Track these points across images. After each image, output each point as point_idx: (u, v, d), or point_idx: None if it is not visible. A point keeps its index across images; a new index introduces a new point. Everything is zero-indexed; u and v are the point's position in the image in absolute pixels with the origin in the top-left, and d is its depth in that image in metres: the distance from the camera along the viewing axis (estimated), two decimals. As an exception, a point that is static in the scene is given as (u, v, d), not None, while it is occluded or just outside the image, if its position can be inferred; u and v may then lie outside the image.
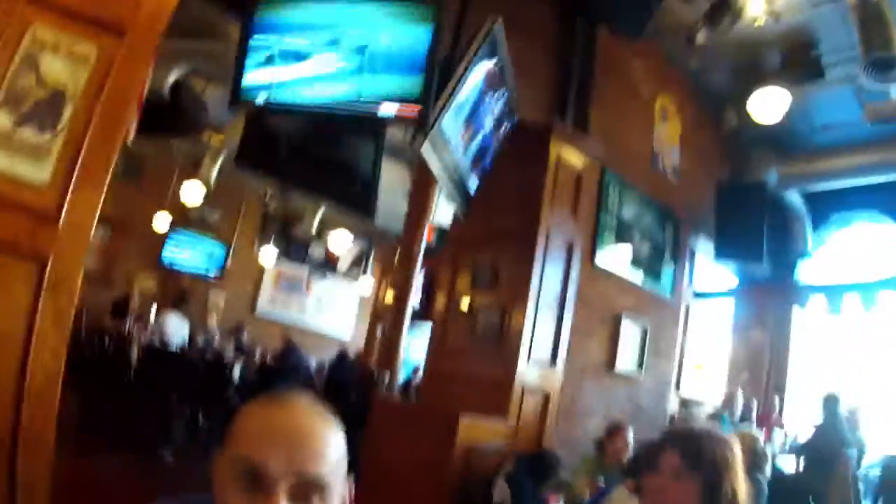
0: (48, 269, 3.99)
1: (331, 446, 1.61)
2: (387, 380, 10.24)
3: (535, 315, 7.65)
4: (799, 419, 11.68)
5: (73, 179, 4.08)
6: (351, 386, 13.18)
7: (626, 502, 4.52)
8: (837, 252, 12.85)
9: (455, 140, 6.06)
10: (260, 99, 5.49)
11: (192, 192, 15.91)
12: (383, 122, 6.61)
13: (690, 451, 2.51)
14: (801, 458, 9.66)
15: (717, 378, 13.93)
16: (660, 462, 2.55)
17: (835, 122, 10.84)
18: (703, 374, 14.52)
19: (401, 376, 11.84)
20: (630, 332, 9.23)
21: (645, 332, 9.46)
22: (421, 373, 14.57)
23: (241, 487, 1.51)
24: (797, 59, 9.31)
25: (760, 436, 7.64)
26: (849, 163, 10.78)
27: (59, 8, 4.30)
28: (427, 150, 5.61)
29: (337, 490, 1.60)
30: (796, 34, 9.10)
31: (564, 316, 7.96)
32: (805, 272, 12.90)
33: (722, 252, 11.06)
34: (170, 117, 11.64)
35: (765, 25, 8.50)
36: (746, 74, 9.73)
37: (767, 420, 11.19)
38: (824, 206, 12.32)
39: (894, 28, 7.28)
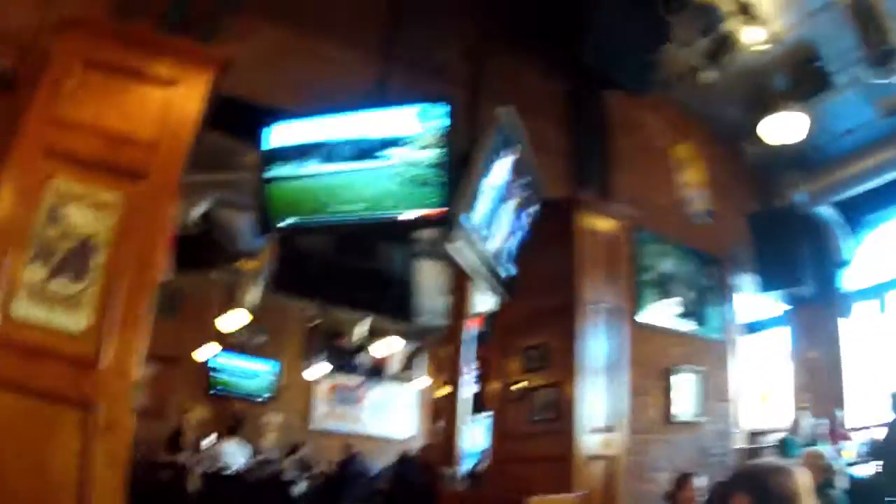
0: (98, 414, 4.01)
1: None
2: (450, 472, 10.21)
3: (589, 384, 7.67)
4: (868, 425, 11.49)
5: (113, 325, 4.12)
6: (417, 486, 13.13)
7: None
8: (874, 254, 12.75)
9: (484, 232, 6.08)
10: (286, 223, 5.55)
11: (234, 320, 15.98)
12: (411, 227, 6.64)
13: (758, 490, 2.49)
14: (879, 461, 9.52)
15: (784, 404, 13.82)
16: None
17: (853, 126, 10.79)
18: (769, 404, 14.40)
19: (468, 465, 11.77)
20: (685, 381, 9.22)
21: (699, 378, 9.46)
22: (487, 459, 14.55)
23: None
24: (803, 76, 9.33)
25: (830, 451, 7.55)
26: (873, 162, 10.66)
27: (77, 160, 4.42)
28: (455, 248, 5.63)
29: None
30: (797, 50, 9.12)
31: (618, 379, 7.94)
32: (847, 280, 12.80)
33: (766, 283, 10.99)
34: (202, 250, 11.76)
35: (766, 50, 8.55)
36: (758, 102, 9.75)
37: (836, 435, 11.05)
38: (857, 211, 12.24)
39: (888, 19, 7.31)
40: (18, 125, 4.41)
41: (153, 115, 4.75)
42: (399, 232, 7.39)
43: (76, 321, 4.17)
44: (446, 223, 5.27)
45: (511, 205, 6.63)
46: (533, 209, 7.13)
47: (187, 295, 17.78)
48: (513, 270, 6.99)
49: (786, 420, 12.30)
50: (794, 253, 10.46)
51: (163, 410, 17.16)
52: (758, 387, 13.74)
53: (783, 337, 13.49)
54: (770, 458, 2.90)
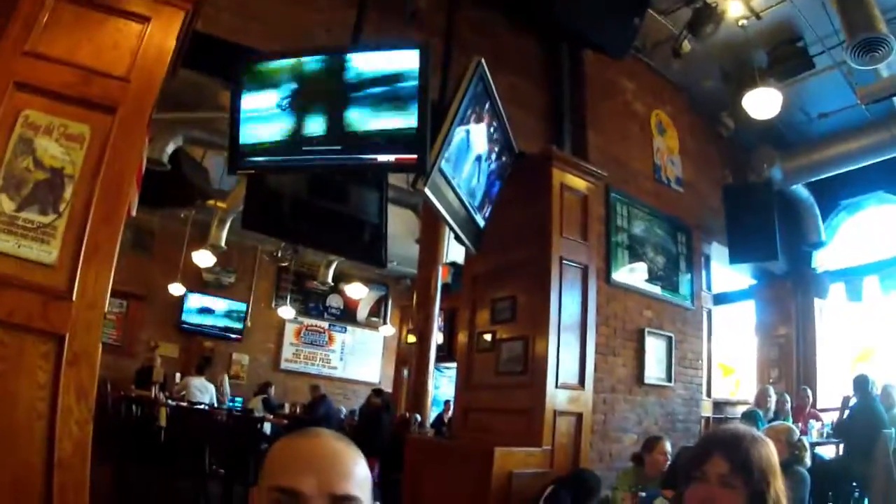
0: (66, 345, 4.03)
1: (357, 466, 1.71)
2: (418, 420, 10.23)
3: (558, 340, 7.66)
4: (833, 407, 11.60)
5: (81, 256, 4.10)
6: (384, 430, 13.19)
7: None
8: (851, 238, 12.85)
9: (456, 180, 6.08)
10: (257, 162, 5.51)
11: (203, 259, 16.00)
12: (385, 170, 6.61)
13: (737, 457, 2.45)
14: (841, 444, 9.60)
15: (748, 378, 13.92)
16: (706, 469, 2.49)
17: (831, 110, 10.86)
18: (733, 377, 14.52)
19: (432, 414, 11.80)
20: (655, 344, 9.26)
21: (670, 342, 9.50)
22: (452, 409, 14.62)
23: None
24: (784, 54, 9.35)
25: (797, 428, 7.60)
26: (850, 147, 10.73)
27: (48, 92, 4.37)
28: (429, 193, 5.62)
29: None
30: (779, 29, 9.16)
31: (587, 337, 7.96)
32: (822, 262, 12.89)
33: (736, 255, 11.05)
34: (172, 187, 11.72)
35: (748, 25, 8.55)
36: (737, 76, 9.79)
37: (802, 413, 11.15)
38: (832, 194, 12.36)
39: (875, 6, 7.29)
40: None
41: (126, 50, 4.69)
42: (373, 175, 7.34)
43: (46, 252, 4.14)
44: (420, 168, 5.24)
45: (484, 154, 6.63)
46: (506, 161, 7.12)
47: (157, 233, 17.82)
48: (484, 220, 6.99)
49: (750, 393, 12.43)
50: (766, 228, 10.53)
51: (132, 347, 17.21)
52: (723, 358, 13.87)
53: (749, 311, 13.61)
54: (745, 426, 2.81)
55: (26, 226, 4.14)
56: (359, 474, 1.70)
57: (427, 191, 5.54)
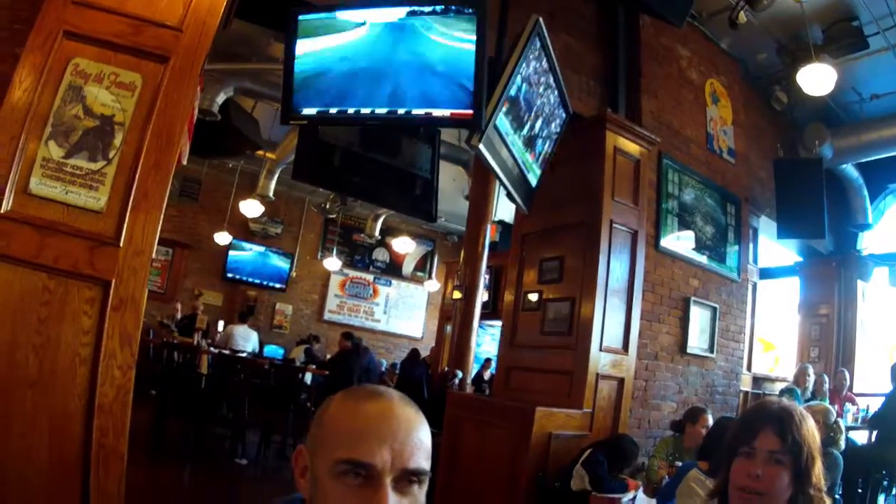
0: (111, 291, 4.05)
1: (427, 435, 1.65)
2: (459, 377, 10.23)
3: (605, 303, 7.63)
4: (869, 392, 11.51)
5: (130, 204, 4.11)
6: (424, 384, 13.21)
7: (703, 483, 4.44)
8: (897, 222, 12.73)
9: (510, 137, 6.04)
10: (310, 113, 5.48)
11: (251, 209, 16.05)
12: (440, 125, 6.57)
13: (789, 432, 2.41)
14: (874, 430, 9.52)
15: (788, 355, 13.83)
16: (756, 445, 2.44)
17: (883, 92, 10.75)
18: (773, 353, 14.42)
19: (472, 371, 11.80)
20: (699, 314, 9.17)
21: (714, 313, 9.41)
22: (492, 366, 14.61)
23: (347, 486, 1.55)
24: (839, 32, 9.26)
25: (833, 410, 7.53)
26: (899, 132, 10.62)
27: (98, 41, 4.37)
28: (483, 149, 5.58)
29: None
30: (835, 7, 9.09)
31: (633, 302, 7.92)
32: (867, 244, 12.76)
33: (784, 230, 10.97)
34: (222, 137, 11.75)
35: (804, 1, 8.43)
36: (791, 51, 9.69)
37: (839, 395, 11.08)
38: (881, 177, 12.25)
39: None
40: (41, 7, 4.36)
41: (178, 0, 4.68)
42: (425, 129, 7.31)
43: (94, 199, 4.15)
44: (475, 124, 5.21)
45: (539, 113, 6.57)
46: (560, 121, 7.06)
47: (205, 182, 17.90)
48: (537, 180, 6.95)
49: (789, 371, 12.34)
50: (815, 205, 10.44)
51: (176, 295, 17.33)
52: (764, 333, 13.77)
53: (793, 288, 13.50)
54: (788, 401, 2.73)
55: (74, 172, 4.15)
56: (428, 444, 1.65)
57: (481, 147, 5.50)
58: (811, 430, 2.45)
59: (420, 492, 1.60)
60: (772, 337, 14.61)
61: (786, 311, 14.13)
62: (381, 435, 1.57)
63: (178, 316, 15.66)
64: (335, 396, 1.74)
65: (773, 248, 12.66)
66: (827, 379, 10.93)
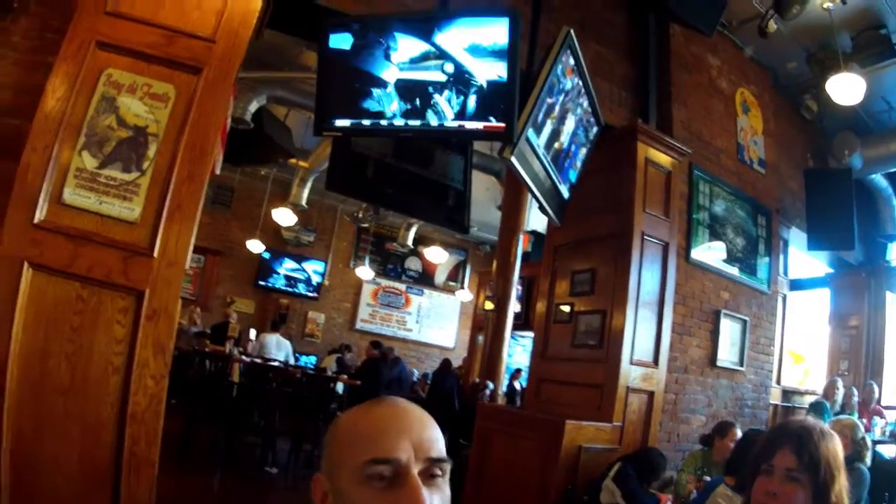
0: (145, 301, 4.11)
1: (439, 433, 1.63)
2: (490, 388, 10.25)
3: (636, 316, 7.61)
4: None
5: (164, 215, 4.16)
6: (455, 396, 13.21)
7: (731, 499, 4.42)
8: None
9: (542, 150, 6.04)
10: (343, 125, 5.51)
11: (283, 217, 16.11)
12: (472, 138, 6.58)
13: (806, 452, 2.42)
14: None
15: (817, 368, 13.76)
16: (774, 463, 2.47)
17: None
18: (802, 365, 14.35)
19: (503, 382, 11.82)
20: (730, 327, 9.10)
21: (744, 326, 9.32)
22: (522, 377, 14.60)
23: (375, 490, 1.49)
24: (868, 40, 9.24)
25: (861, 424, 7.50)
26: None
27: (131, 52, 4.45)
28: (515, 162, 5.58)
29: None
30: (864, 14, 9.06)
31: (664, 315, 7.90)
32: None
33: (814, 241, 10.86)
34: (255, 145, 11.84)
35: (832, 8, 8.42)
36: (820, 60, 9.66)
37: (867, 408, 11.00)
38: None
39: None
40: (73, 17, 4.40)
41: (211, 11, 4.71)
42: (458, 140, 7.34)
43: (129, 210, 4.21)
44: (507, 137, 5.22)
45: (571, 125, 6.56)
46: (592, 132, 7.07)
47: (238, 190, 18.02)
48: (569, 192, 6.96)
49: (819, 383, 12.28)
50: (845, 216, 10.30)
51: (208, 303, 17.39)
52: (794, 345, 13.70)
53: (823, 299, 13.42)
54: (812, 419, 2.75)
55: (108, 183, 4.21)
56: (442, 439, 1.62)
57: (513, 160, 5.50)
58: (832, 448, 2.47)
59: (445, 485, 1.58)
60: (802, 349, 14.51)
61: (816, 323, 14.02)
62: (399, 429, 1.55)
63: (197, 322, 15.63)
64: (340, 416, 1.73)
65: (803, 259, 12.58)
66: (856, 392, 10.86)
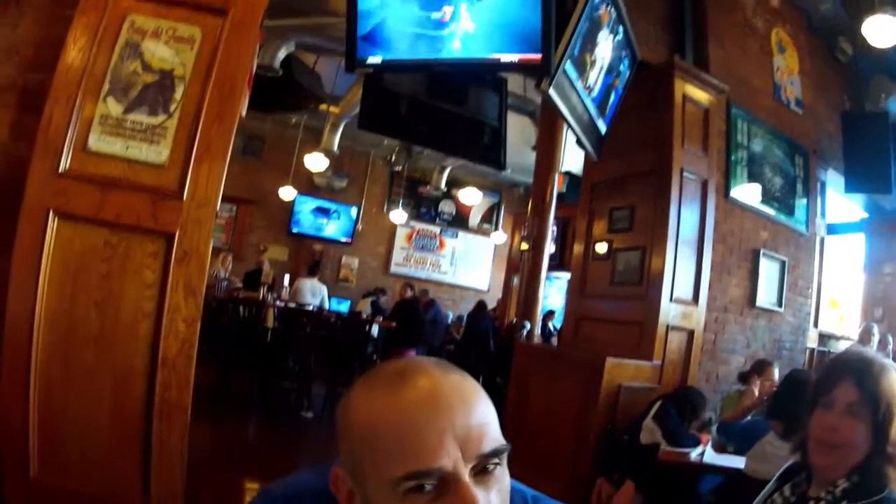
0: (175, 244, 4.14)
1: (486, 402, 1.29)
2: (528, 328, 10.20)
3: (675, 253, 7.57)
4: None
5: (193, 156, 4.13)
6: (490, 336, 13.21)
7: (782, 448, 4.32)
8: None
9: (580, 84, 5.97)
10: (375, 62, 5.44)
11: (315, 162, 16.05)
12: (506, 70, 6.50)
13: (868, 384, 2.33)
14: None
15: (852, 315, 13.63)
16: (835, 396, 2.38)
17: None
18: (837, 311, 14.23)
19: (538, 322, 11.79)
20: (769, 267, 9.03)
21: (783, 267, 9.26)
22: (555, 318, 14.57)
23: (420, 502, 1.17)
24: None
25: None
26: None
27: (154, -4, 4.37)
28: (554, 94, 5.51)
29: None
30: (902, -47, 8.81)
31: (704, 253, 7.86)
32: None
33: (851, 184, 10.69)
34: (284, 92, 11.77)
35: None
36: (855, 1, 9.45)
37: (902, 355, 10.90)
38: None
39: None
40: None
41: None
42: (492, 77, 7.28)
43: (156, 153, 4.18)
44: (544, 68, 5.14)
45: (607, 59, 6.50)
46: (628, 68, 6.97)
47: (268, 139, 18.00)
48: (606, 127, 6.87)
49: (853, 330, 12.17)
50: (882, 159, 10.13)
51: (241, 251, 17.42)
52: (829, 291, 13.57)
53: (857, 245, 13.28)
54: (870, 351, 2.65)
55: (135, 127, 4.17)
56: (492, 410, 1.27)
57: (552, 92, 5.44)
58: (891, 384, 2.36)
59: (504, 473, 1.26)
60: (836, 295, 14.41)
61: (850, 270, 13.90)
62: (437, 425, 1.18)
63: (227, 270, 15.60)
64: (353, 394, 1.35)
65: (838, 203, 12.39)
66: (891, 339, 10.75)
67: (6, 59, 4.43)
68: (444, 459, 1.16)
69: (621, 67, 6.85)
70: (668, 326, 7.45)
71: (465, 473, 1.17)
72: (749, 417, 6.30)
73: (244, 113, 5.28)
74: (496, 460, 1.22)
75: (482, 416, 1.24)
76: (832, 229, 13.11)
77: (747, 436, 5.43)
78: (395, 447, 1.18)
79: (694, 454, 5.98)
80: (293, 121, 17.62)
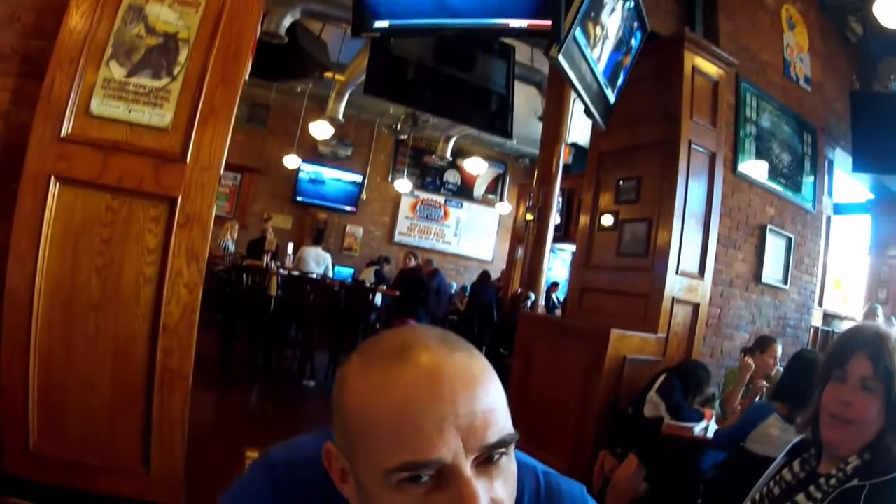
0: (178, 208, 4.13)
1: (495, 383, 1.16)
2: (532, 299, 10.20)
3: (682, 226, 7.50)
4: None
5: (197, 119, 4.12)
6: (494, 306, 13.21)
7: (787, 432, 4.29)
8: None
9: (588, 50, 5.91)
10: (382, 26, 5.39)
11: (321, 129, 16.03)
12: (515, 35, 6.46)
13: (882, 358, 2.28)
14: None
15: (856, 296, 13.64)
16: (848, 369, 2.34)
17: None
18: (842, 292, 14.24)
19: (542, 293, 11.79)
20: (775, 243, 9.00)
21: (789, 244, 9.24)
22: (559, 290, 14.58)
23: (413, 497, 1.07)
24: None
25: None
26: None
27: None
28: (563, 61, 5.45)
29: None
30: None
31: (711, 226, 7.79)
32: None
33: (859, 163, 10.62)
34: (290, 60, 11.74)
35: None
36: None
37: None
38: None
39: None
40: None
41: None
42: (500, 44, 7.25)
43: (160, 116, 4.17)
44: (554, 34, 5.10)
45: (616, 28, 6.44)
46: (638, 38, 6.92)
47: (273, 107, 18.03)
48: (615, 97, 6.83)
49: (857, 311, 12.17)
50: (891, 140, 10.01)
51: (245, 219, 17.44)
52: (834, 271, 13.59)
53: (863, 226, 13.28)
54: (885, 325, 2.61)
55: (138, 91, 4.16)
56: (500, 393, 1.16)
57: (561, 58, 5.38)
58: None
59: (510, 461, 1.15)
60: (840, 276, 14.43)
61: (855, 251, 13.91)
62: (436, 413, 1.07)
63: (232, 240, 15.60)
64: (349, 368, 1.22)
65: (844, 183, 12.35)
66: (894, 321, 10.75)
67: (7, 25, 4.39)
68: (443, 451, 1.05)
69: (631, 37, 6.80)
70: (673, 299, 7.40)
71: (466, 466, 1.06)
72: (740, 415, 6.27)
73: (247, 77, 5.25)
74: (502, 450, 1.11)
75: (489, 402, 1.12)
76: (838, 209, 13.08)
77: (750, 418, 5.39)
78: (390, 436, 1.08)
79: (697, 429, 5.95)
80: (298, 89, 17.62)
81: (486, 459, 1.09)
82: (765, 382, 6.14)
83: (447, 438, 1.05)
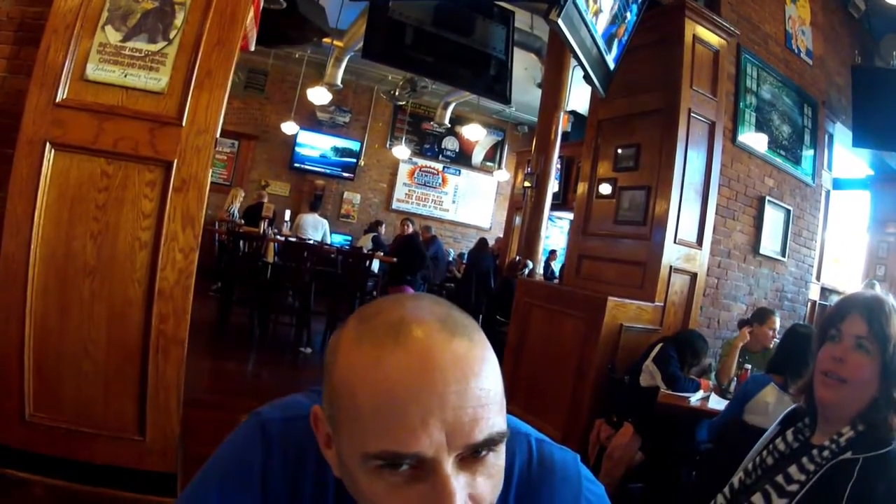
0: (173, 171, 4.12)
1: (493, 375, 1.10)
2: (530, 267, 10.20)
3: (681, 194, 7.50)
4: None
5: (193, 83, 4.13)
6: (492, 274, 13.22)
7: (783, 403, 4.28)
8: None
9: (589, 16, 5.89)
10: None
11: (319, 95, 15.98)
12: (513, 1, 6.43)
13: (878, 319, 2.31)
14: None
15: (854, 272, 13.65)
16: (843, 328, 2.36)
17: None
18: (840, 266, 14.26)
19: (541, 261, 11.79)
20: (773, 215, 8.98)
21: (788, 216, 9.23)
22: (558, 258, 14.61)
23: (389, 484, 1.04)
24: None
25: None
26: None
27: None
28: (563, 25, 5.43)
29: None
30: None
31: (709, 195, 7.78)
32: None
33: (859, 138, 10.61)
34: (288, 25, 11.69)
35: None
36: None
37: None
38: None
39: None
40: None
41: None
42: (499, 9, 7.23)
43: (155, 80, 4.14)
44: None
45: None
46: (638, 5, 6.89)
47: (271, 73, 18.01)
48: (615, 63, 6.81)
49: (855, 287, 12.19)
50: (892, 116, 10.01)
51: (242, 186, 17.43)
52: (832, 246, 13.60)
53: (862, 202, 13.26)
54: (882, 292, 2.63)
55: (133, 55, 4.13)
56: (497, 387, 1.09)
57: (560, 22, 5.37)
58: None
59: (497, 457, 1.10)
60: (838, 252, 14.45)
61: (854, 227, 13.92)
62: (424, 404, 1.02)
63: (237, 205, 15.60)
64: (342, 336, 1.16)
65: (844, 159, 12.34)
66: (893, 299, 10.78)
67: (3, -7, 4.36)
68: (425, 445, 1.01)
69: (631, 5, 6.76)
70: (671, 268, 7.41)
71: (447, 464, 1.02)
72: (749, 366, 6.27)
73: (252, 46, 5.22)
74: (491, 448, 1.07)
75: (481, 397, 1.06)
76: (837, 184, 13.07)
77: (748, 388, 5.38)
78: (373, 421, 1.04)
79: (693, 399, 5.95)
80: (296, 55, 17.58)
81: (473, 458, 1.05)
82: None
83: (431, 432, 1.01)
